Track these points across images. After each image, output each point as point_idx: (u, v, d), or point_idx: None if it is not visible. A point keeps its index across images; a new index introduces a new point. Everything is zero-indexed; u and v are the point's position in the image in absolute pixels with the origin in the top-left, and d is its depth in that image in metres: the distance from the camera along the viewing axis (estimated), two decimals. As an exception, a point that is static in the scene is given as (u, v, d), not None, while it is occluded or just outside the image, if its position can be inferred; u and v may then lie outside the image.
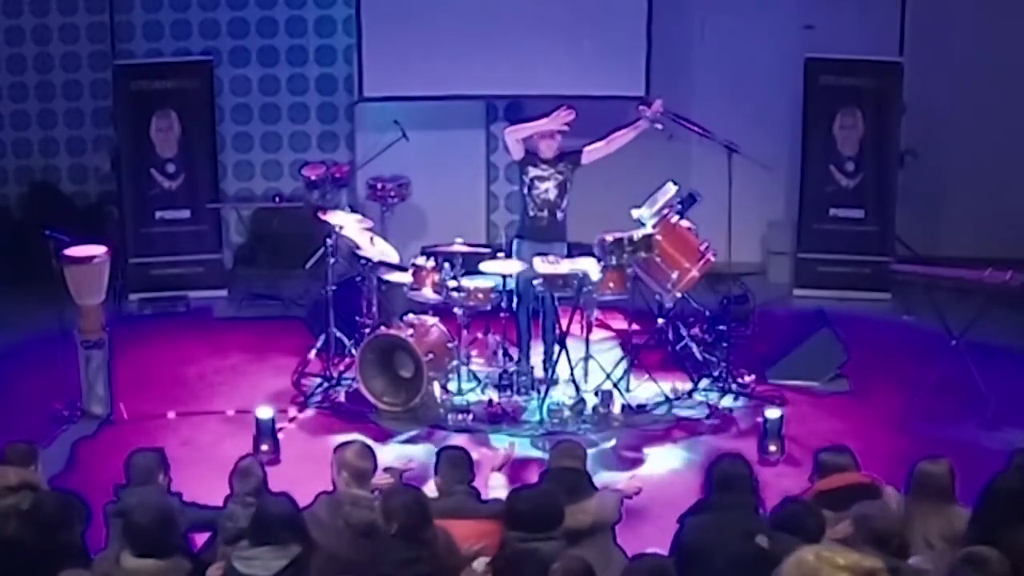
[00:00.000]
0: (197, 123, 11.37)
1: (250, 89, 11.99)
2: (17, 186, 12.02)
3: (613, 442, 8.63)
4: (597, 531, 6.00)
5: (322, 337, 9.49)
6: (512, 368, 9.20)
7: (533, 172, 9.19)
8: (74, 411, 8.90)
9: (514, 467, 8.20)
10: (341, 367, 9.41)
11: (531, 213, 9.24)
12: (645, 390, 9.18)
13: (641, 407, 9.00)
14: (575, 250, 9.27)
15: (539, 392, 9.03)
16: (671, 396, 9.11)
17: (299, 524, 5.51)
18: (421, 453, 8.17)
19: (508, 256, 9.33)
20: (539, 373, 9.25)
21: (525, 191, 9.24)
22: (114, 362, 9.01)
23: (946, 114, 11.57)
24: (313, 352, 9.56)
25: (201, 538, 6.29)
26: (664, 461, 8.44)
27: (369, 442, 6.69)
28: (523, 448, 8.41)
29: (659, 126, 9.39)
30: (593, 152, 9.20)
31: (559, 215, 9.23)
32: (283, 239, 11.59)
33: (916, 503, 5.91)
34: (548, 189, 9.17)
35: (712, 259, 9.14)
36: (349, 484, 6.08)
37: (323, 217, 9.53)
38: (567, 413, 8.87)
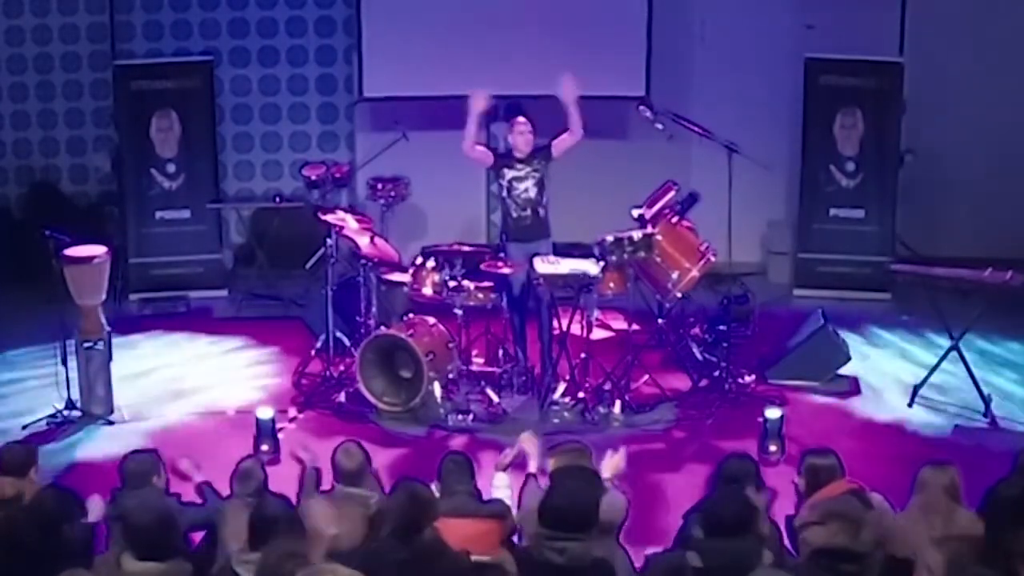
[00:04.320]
0: (197, 123, 11.38)
1: (250, 89, 12.00)
2: (17, 186, 12.03)
3: (613, 442, 8.60)
4: (604, 531, 5.99)
5: (322, 337, 9.49)
6: (512, 368, 9.20)
7: (510, 174, 9.22)
8: (74, 411, 8.89)
9: (515, 467, 8.24)
10: (341, 367, 9.41)
11: (514, 214, 9.26)
12: (645, 390, 9.17)
13: (641, 407, 9.01)
14: (575, 250, 9.27)
15: (539, 392, 9.02)
16: (671, 396, 9.12)
17: (298, 526, 5.50)
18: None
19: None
20: (539, 373, 9.26)
21: (504, 194, 9.27)
22: (114, 362, 9.01)
23: (946, 114, 11.57)
24: (313, 352, 9.56)
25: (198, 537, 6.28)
26: (664, 461, 8.43)
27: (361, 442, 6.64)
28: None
29: (659, 126, 9.39)
30: (560, 143, 9.19)
31: (541, 212, 9.24)
32: (283, 239, 11.58)
33: (921, 505, 5.90)
34: (527, 188, 9.19)
35: (712, 259, 9.13)
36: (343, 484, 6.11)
37: (323, 217, 9.53)
38: (567, 413, 8.88)
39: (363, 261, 9.45)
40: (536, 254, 9.01)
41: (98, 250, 8.90)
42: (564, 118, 9.14)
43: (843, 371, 9.49)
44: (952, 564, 5.31)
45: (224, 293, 11.44)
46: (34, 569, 5.28)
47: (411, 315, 9.23)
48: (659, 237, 8.96)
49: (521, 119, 9.27)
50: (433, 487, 6.28)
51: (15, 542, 5.40)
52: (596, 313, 9.27)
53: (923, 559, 5.62)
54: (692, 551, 5.39)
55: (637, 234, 8.91)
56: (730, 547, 5.35)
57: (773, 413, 8.46)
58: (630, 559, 5.93)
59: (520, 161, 9.20)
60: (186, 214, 11.42)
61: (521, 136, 9.20)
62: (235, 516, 5.84)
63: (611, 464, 6.42)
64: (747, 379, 9.38)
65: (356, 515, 5.87)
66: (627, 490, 6.33)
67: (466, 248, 9.41)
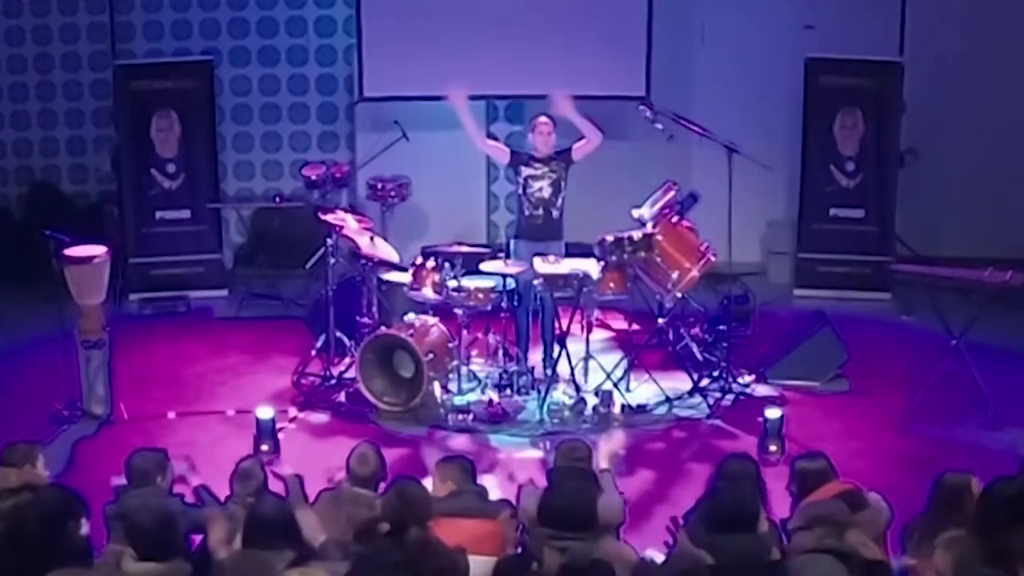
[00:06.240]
0: (197, 123, 11.37)
1: (250, 89, 11.99)
2: (17, 186, 12.02)
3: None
4: (603, 531, 5.98)
5: (322, 337, 9.49)
6: (512, 368, 9.21)
7: (526, 172, 9.23)
8: (74, 411, 8.89)
9: (514, 467, 8.24)
10: (341, 367, 9.41)
11: (527, 212, 9.27)
12: (645, 390, 9.18)
13: (641, 407, 9.01)
14: (575, 250, 9.28)
15: (539, 392, 9.03)
16: (671, 396, 9.12)
17: (292, 528, 5.50)
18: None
19: (507, 256, 9.34)
20: (539, 373, 9.26)
21: (520, 191, 9.29)
22: (114, 362, 9.01)
23: (946, 114, 11.57)
24: (313, 352, 9.57)
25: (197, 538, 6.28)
26: (664, 461, 8.44)
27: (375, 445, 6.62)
28: (523, 448, 8.46)
29: (659, 126, 9.39)
30: (581, 148, 9.21)
31: (554, 213, 9.25)
32: (283, 239, 11.58)
33: (937, 512, 5.90)
34: (542, 188, 9.20)
35: (712, 259, 9.14)
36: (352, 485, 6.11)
37: (323, 217, 9.53)
38: (567, 413, 8.88)
39: (363, 261, 9.46)
40: (542, 254, 9.01)
41: (98, 250, 8.90)
42: (608, 128, 9.25)
43: (843, 371, 9.49)
44: (959, 565, 5.30)
45: (224, 293, 11.43)
46: (37, 566, 5.28)
47: (411, 315, 9.23)
48: (659, 237, 8.97)
49: (543, 119, 9.27)
50: (426, 483, 6.30)
51: (20, 537, 5.40)
52: (596, 313, 9.28)
53: (931, 562, 5.62)
54: (703, 549, 5.39)
55: (637, 234, 8.92)
56: (741, 543, 5.36)
57: (773, 413, 8.46)
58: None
59: (538, 160, 9.21)
60: (186, 214, 11.41)
61: (541, 136, 9.20)
62: (219, 525, 5.76)
63: (608, 450, 6.46)
64: (747, 379, 9.38)
65: (360, 516, 5.86)
66: (624, 491, 6.33)
67: (466, 248, 9.41)
